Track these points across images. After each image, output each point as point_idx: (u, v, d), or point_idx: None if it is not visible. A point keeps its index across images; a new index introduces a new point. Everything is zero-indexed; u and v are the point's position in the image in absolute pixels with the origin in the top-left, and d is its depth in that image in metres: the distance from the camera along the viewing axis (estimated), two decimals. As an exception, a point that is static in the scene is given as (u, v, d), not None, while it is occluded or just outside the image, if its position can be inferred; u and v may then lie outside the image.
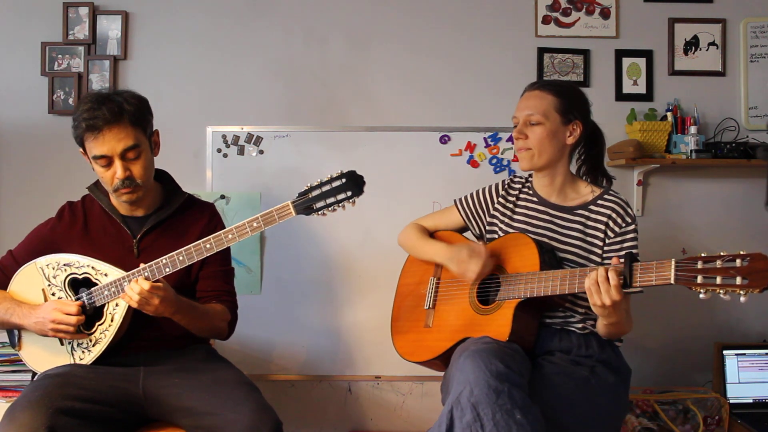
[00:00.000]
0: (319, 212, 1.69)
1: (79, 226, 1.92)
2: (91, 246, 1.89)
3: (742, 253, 1.40)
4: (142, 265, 1.77)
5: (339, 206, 1.69)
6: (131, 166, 1.82)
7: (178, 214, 1.96)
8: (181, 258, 1.76)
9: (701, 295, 1.44)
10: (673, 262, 1.49)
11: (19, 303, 1.86)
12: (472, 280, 1.87)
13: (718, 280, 1.41)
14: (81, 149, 1.86)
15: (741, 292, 1.39)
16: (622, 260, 1.60)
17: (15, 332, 1.93)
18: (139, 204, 1.91)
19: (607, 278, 1.58)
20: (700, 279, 1.44)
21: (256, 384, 1.88)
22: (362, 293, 2.72)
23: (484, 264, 1.82)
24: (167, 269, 1.76)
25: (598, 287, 1.59)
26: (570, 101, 1.89)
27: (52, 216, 1.98)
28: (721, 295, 1.42)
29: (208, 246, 1.75)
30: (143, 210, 1.93)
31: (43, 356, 1.89)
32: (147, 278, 1.74)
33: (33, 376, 1.98)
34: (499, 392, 1.50)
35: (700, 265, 1.45)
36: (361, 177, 1.69)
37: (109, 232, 1.91)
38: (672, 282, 1.48)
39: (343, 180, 1.68)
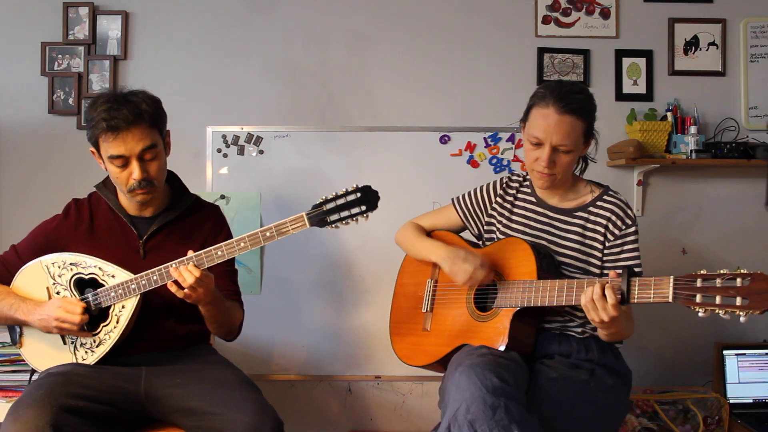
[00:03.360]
0: (333, 225, 1.69)
1: (84, 225, 1.92)
2: (96, 245, 1.89)
3: (743, 272, 1.38)
4: (144, 273, 1.77)
5: (352, 220, 1.69)
6: (148, 166, 1.82)
7: (184, 216, 1.96)
8: (190, 265, 1.75)
9: (700, 314, 1.42)
10: (671, 280, 1.47)
11: (23, 299, 1.86)
12: (462, 282, 1.83)
13: (718, 299, 1.40)
14: (92, 148, 1.86)
15: (741, 313, 1.37)
16: (619, 273, 1.57)
17: (17, 329, 1.92)
18: (148, 204, 1.90)
19: (604, 295, 1.56)
20: (698, 298, 1.42)
21: (256, 384, 1.88)
22: (362, 293, 2.72)
23: (475, 269, 1.80)
24: (176, 274, 1.74)
25: (595, 304, 1.58)
26: (592, 120, 1.82)
27: (53, 214, 1.97)
28: (721, 315, 1.40)
29: (219, 253, 1.75)
30: (151, 210, 1.93)
31: (44, 354, 1.89)
32: (150, 284, 1.75)
33: (31, 375, 1.98)
34: (495, 408, 1.49)
35: (699, 283, 1.43)
36: (376, 192, 1.69)
37: (115, 232, 1.91)
38: (670, 300, 1.47)
39: (358, 194, 1.68)
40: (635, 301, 1.54)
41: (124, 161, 1.80)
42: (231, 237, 2.00)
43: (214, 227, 1.99)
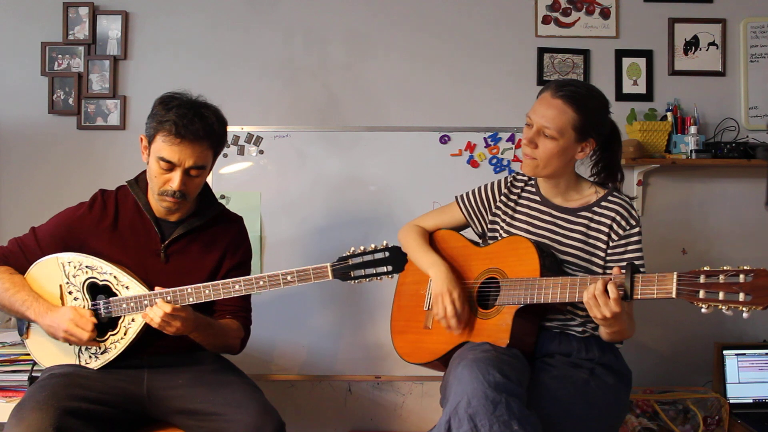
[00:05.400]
0: (356, 281, 1.69)
1: (108, 221, 1.90)
2: (118, 243, 1.88)
3: (746, 268, 1.38)
4: (158, 289, 1.76)
5: (377, 278, 1.69)
6: (189, 181, 1.81)
7: (209, 224, 1.95)
8: (207, 292, 1.76)
9: (703, 310, 1.42)
10: (675, 276, 1.48)
11: (36, 297, 1.84)
12: (434, 312, 1.87)
13: (721, 295, 1.40)
14: (144, 136, 1.85)
15: (744, 308, 1.37)
16: (623, 270, 1.58)
17: (25, 320, 1.91)
18: (174, 210, 1.88)
19: (606, 292, 1.57)
20: (702, 294, 1.42)
21: (257, 384, 1.88)
22: (362, 293, 2.72)
23: (454, 315, 1.81)
24: (191, 299, 1.75)
25: (597, 301, 1.58)
26: (590, 120, 1.79)
27: (53, 214, 1.95)
28: (724, 311, 1.40)
29: (237, 287, 1.75)
30: (177, 215, 1.91)
31: (49, 351, 1.89)
32: (168, 302, 1.73)
33: (32, 367, 1.97)
34: (496, 403, 1.50)
35: (702, 279, 1.43)
36: (405, 254, 1.69)
37: (138, 231, 1.90)
38: (673, 296, 1.47)
39: (386, 254, 1.68)
40: (638, 296, 1.54)
41: (170, 166, 1.79)
42: (250, 251, 2.04)
43: (234, 240, 1.98)
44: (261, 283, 1.73)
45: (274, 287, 1.73)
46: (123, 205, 1.93)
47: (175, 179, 1.79)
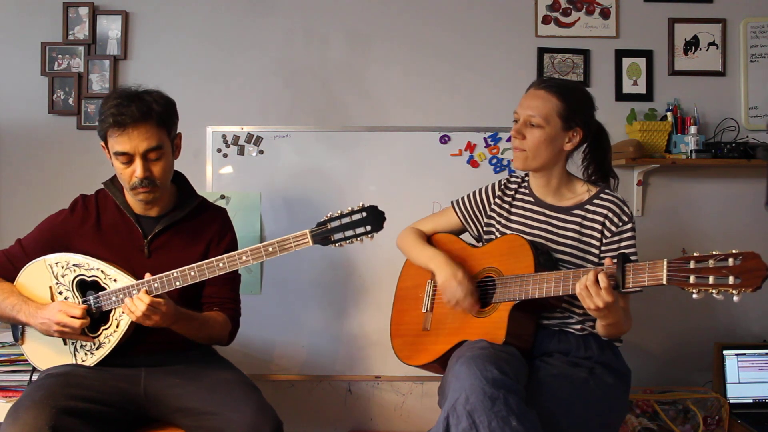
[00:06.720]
0: (336, 244, 1.69)
1: (91, 222, 1.92)
2: (102, 242, 1.89)
3: (734, 252, 1.40)
4: (149, 276, 1.76)
5: (357, 240, 1.68)
6: (152, 166, 1.82)
7: (191, 217, 1.96)
8: (192, 274, 1.76)
9: (694, 295, 1.43)
10: (665, 263, 1.49)
11: (26, 300, 1.86)
12: (446, 301, 1.87)
13: (711, 279, 1.41)
14: (102, 143, 1.86)
15: (734, 291, 1.38)
16: (614, 261, 1.59)
17: (19, 326, 1.92)
18: (153, 204, 1.90)
19: (597, 281, 1.58)
20: (692, 279, 1.43)
21: (256, 384, 1.89)
22: (362, 293, 2.72)
23: (464, 296, 1.82)
24: (177, 283, 1.76)
25: (589, 291, 1.59)
26: (574, 107, 1.84)
27: (53, 214, 1.97)
28: (714, 295, 1.41)
29: (221, 265, 1.75)
30: (157, 210, 1.93)
31: (45, 353, 1.89)
32: (151, 291, 1.73)
33: (32, 372, 1.98)
34: (494, 399, 1.50)
35: (692, 264, 1.44)
36: (382, 213, 1.69)
37: (120, 230, 1.91)
38: (664, 282, 1.48)
39: (364, 214, 1.67)
40: (630, 285, 1.55)
41: (128, 158, 1.80)
42: (236, 241, 2.03)
43: (219, 230, 1.99)
44: (244, 258, 1.74)
45: (257, 260, 1.74)
46: (103, 206, 1.94)
47: (138, 168, 1.79)
